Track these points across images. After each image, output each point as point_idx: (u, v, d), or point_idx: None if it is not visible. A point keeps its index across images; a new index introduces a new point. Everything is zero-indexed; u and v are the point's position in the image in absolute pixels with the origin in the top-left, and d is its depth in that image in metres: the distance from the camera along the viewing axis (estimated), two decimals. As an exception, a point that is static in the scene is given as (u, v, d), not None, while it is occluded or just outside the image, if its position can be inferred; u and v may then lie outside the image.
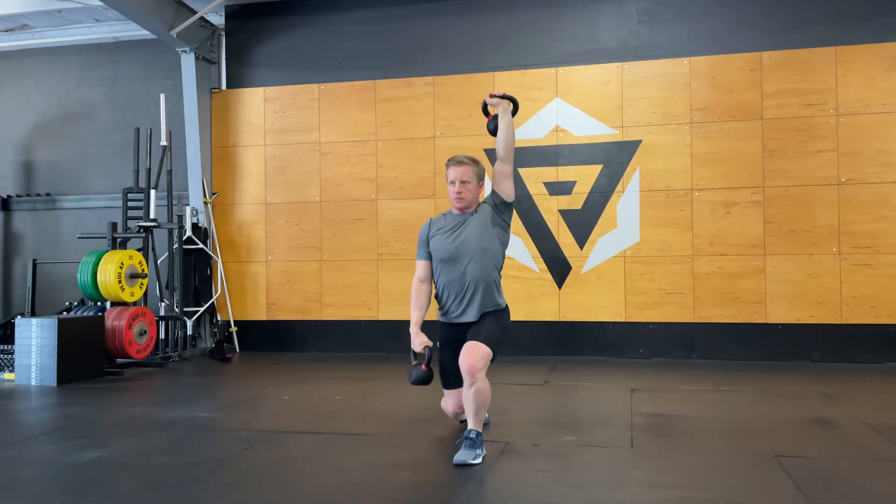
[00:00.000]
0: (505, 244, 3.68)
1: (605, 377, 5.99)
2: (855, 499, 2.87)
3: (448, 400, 3.75)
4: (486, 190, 3.86)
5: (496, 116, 3.71)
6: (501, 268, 3.71)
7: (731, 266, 6.79)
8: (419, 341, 3.64)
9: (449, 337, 3.69)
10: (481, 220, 3.62)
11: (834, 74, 6.66)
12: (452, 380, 3.68)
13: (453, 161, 3.65)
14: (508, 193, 3.65)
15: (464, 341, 3.56)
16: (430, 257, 3.70)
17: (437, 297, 3.75)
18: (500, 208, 3.66)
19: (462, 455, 3.39)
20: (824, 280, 6.61)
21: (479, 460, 3.40)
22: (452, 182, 3.62)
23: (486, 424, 3.91)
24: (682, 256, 6.89)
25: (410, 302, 3.77)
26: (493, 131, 3.71)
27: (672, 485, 3.05)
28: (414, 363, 3.61)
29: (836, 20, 6.69)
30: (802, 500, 2.82)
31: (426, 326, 3.78)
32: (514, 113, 3.73)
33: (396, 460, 3.46)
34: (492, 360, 3.54)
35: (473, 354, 3.46)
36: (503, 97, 3.70)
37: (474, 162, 3.66)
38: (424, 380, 3.57)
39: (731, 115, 6.84)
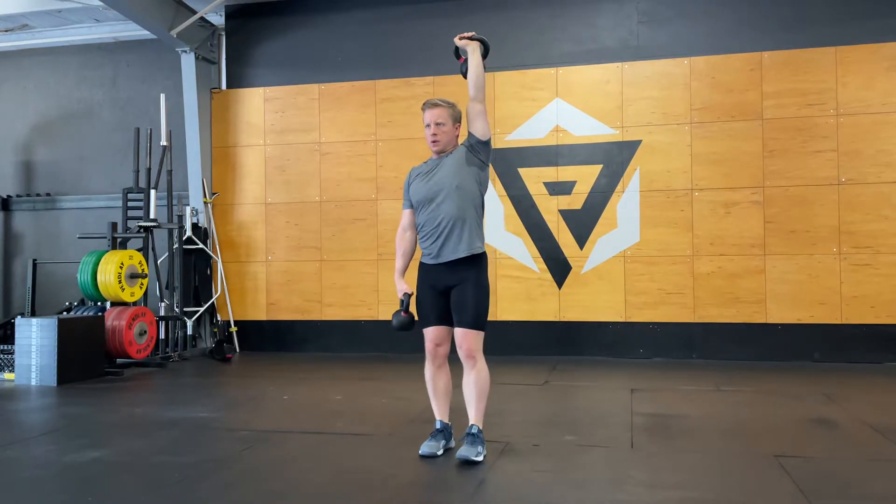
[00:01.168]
0: (482, 183, 3.64)
1: (605, 377, 5.99)
2: (855, 499, 2.87)
3: (429, 336, 3.60)
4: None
5: (468, 59, 3.70)
6: (481, 206, 3.63)
7: (731, 266, 6.79)
8: (400, 288, 3.65)
9: (427, 278, 3.62)
10: (456, 159, 3.61)
11: (834, 74, 6.66)
12: (430, 319, 3.60)
13: (428, 104, 3.66)
14: (482, 132, 3.61)
15: (441, 286, 3.53)
16: (412, 206, 3.69)
17: (419, 238, 3.71)
18: (476, 147, 3.63)
19: (464, 451, 3.39)
20: (824, 280, 6.61)
21: (481, 458, 3.40)
22: (428, 125, 3.63)
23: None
24: (682, 256, 6.89)
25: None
26: (465, 74, 3.71)
27: (672, 485, 3.05)
28: (397, 310, 3.62)
29: (836, 20, 6.69)
30: (802, 500, 2.82)
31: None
32: (485, 55, 3.71)
33: (396, 460, 3.46)
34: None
35: (467, 339, 3.47)
36: (472, 38, 3.69)
37: (449, 104, 3.66)
38: (405, 325, 3.57)
39: (731, 115, 6.84)
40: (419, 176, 3.68)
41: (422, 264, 3.66)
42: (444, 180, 3.56)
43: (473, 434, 3.45)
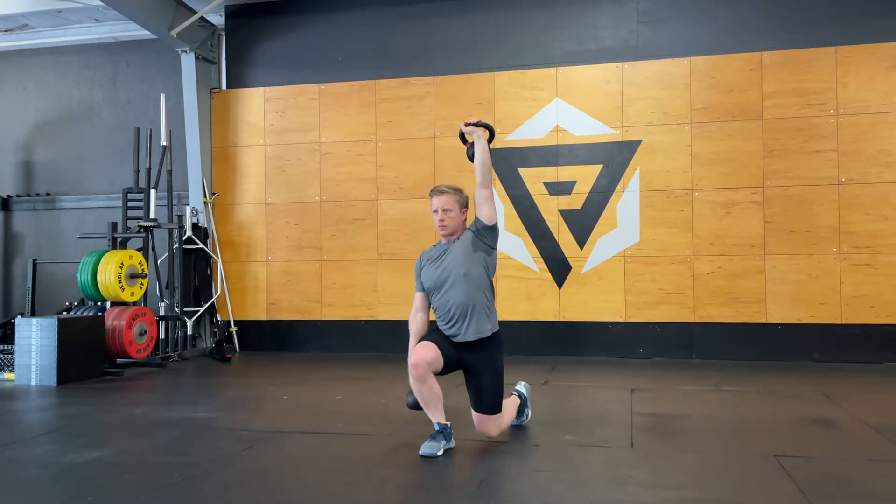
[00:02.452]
0: (490, 267, 3.75)
1: (605, 377, 5.99)
2: (855, 499, 2.87)
3: (415, 351, 3.62)
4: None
5: (473, 143, 3.80)
6: (490, 289, 3.74)
7: (731, 266, 6.79)
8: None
9: (443, 332, 3.73)
10: (463, 246, 3.70)
11: (834, 74, 6.66)
12: (432, 338, 3.67)
13: (435, 191, 3.77)
14: (489, 217, 3.71)
15: (457, 347, 3.65)
16: (424, 289, 3.80)
17: (436, 318, 3.83)
18: (482, 232, 3.73)
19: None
20: (824, 280, 6.61)
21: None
22: (435, 211, 3.73)
23: (522, 410, 4.05)
24: (682, 256, 6.89)
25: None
26: (472, 158, 3.80)
27: (672, 485, 3.05)
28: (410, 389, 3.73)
29: (836, 20, 6.69)
30: (802, 500, 2.82)
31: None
32: (490, 139, 3.81)
33: (396, 460, 3.46)
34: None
35: (486, 424, 3.66)
36: (477, 125, 3.79)
37: (456, 190, 3.76)
38: (418, 405, 3.69)
39: (731, 115, 6.84)
40: (429, 261, 3.78)
41: (440, 328, 3.76)
42: (452, 267, 3.66)
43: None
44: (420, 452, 3.50)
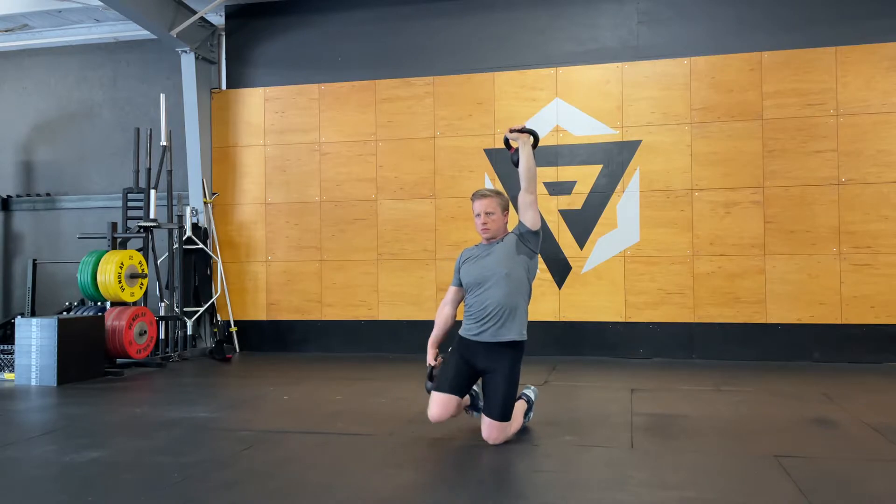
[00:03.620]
0: (531, 271, 3.79)
1: (605, 377, 5.99)
2: (855, 499, 2.87)
3: (434, 404, 3.76)
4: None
5: (518, 149, 3.83)
6: (528, 294, 3.79)
7: (731, 266, 6.79)
8: (429, 356, 3.88)
9: (462, 348, 3.79)
10: (506, 247, 3.75)
11: (834, 74, 6.66)
12: (445, 384, 3.76)
13: (477, 194, 3.82)
14: (532, 222, 3.76)
15: (474, 362, 3.73)
16: (460, 284, 3.86)
17: (465, 316, 3.88)
18: (526, 237, 3.77)
19: None
20: (824, 280, 6.61)
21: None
22: (478, 214, 3.79)
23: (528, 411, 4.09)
24: (682, 256, 6.89)
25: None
26: (517, 164, 3.85)
27: (672, 485, 3.05)
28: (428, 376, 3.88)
29: (836, 20, 6.69)
30: (802, 500, 2.82)
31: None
32: (535, 145, 3.84)
33: (396, 460, 3.46)
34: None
35: (493, 430, 3.68)
36: (522, 130, 3.83)
37: (497, 194, 3.82)
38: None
39: (731, 115, 6.84)
40: (469, 259, 3.84)
41: (460, 337, 3.82)
42: (494, 267, 3.70)
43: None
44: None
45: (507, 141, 3.93)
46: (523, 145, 3.78)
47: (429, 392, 3.81)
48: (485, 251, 3.79)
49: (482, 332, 3.69)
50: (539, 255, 7.02)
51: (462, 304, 3.90)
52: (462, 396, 3.77)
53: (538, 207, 3.79)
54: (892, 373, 6.04)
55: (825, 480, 3.10)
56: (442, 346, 3.92)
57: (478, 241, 3.93)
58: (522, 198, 3.77)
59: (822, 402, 4.80)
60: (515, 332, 3.69)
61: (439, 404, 3.73)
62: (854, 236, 6.58)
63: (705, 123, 6.89)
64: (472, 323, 3.75)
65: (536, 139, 3.85)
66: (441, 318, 3.89)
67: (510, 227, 3.86)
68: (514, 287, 3.69)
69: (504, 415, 3.66)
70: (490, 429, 3.66)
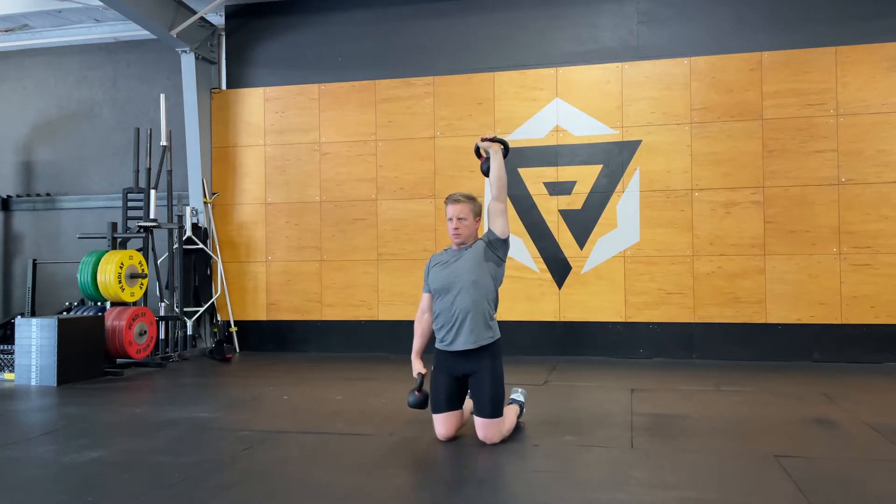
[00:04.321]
0: (497, 279, 3.80)
1: (605, 377, 5.99)
2: (855, 499, 2.87)
3: (438, 424, 3.78)
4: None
5: (489, 158, 3.86)
6: (495, 300, 3.80)
7: (731, 266, 6.79)
8: (415, 368, 3.87)
9: (442, 363, 3.79)
10: (474, 254, 3.75)
11: (834, 74, 6.66)
12: (441, 405, 3.76)
13: (450, 199, 3.81)
14: (502, 230, 3.77)
15: (457, 372, 3.74)
16: (430, 291, 3.86)
17: (434, 325, 3.86)
18: (495, 244, 3.78)
19: None
20: (824, 280, 6.61)
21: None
22: (450, 219, 3.78)
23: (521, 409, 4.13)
24: (682, 256, 6.89)
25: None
26: (486, 172, 3.87)
27: (672, 485, 3.05)
28: (412, 389, 3.86)
29: (836, 20, 6.69)
30: (802, 500, 2.82)
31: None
32: (505, 154, 3.85)
33: (396, 460, 3.47)
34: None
35: (487, 428, 3.67)
36: (493, 140, 3.84)
37: (471, 199, 3.82)
38: (419, 403, 3.81)
39: (731, 115, 6.84)
40: (438, 265, 3.84)
41: (437, 351, 3.83)
42: (462, 273, 3.71)
43: None
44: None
45: (477, 150, 3.95)
46: (494, 154, 3.80)
47: (412, 405, 3.79)
48: (453, 257, 3.79)
49: (454, 340, 3.69)
50: (538, 254, 7.11)
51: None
52: (460, 409, 3.79)
53: (507, 216, 3.80)
54: (892, 373, 6.04)
55: (825, 480, 3.10)
56: (424, 361, 3.92)
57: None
58: (493, 206, 3.78)
59: (822, 402, 4.80)
60: (486, 336, 3.69)
61: (443, 424, 3.75)
62: (854, 236, 6.58)
63: (705, 123, 6.89)
64: (443, 332, 3.74)
65: (507, 148, 3.88)
66: (421, 326, 3.89)
67: (480, 234, 3.86)
68: (481, 294, 3.69)
69: (494, 411, 3.66)
70: (484, 427, 3.66)
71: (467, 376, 3.72)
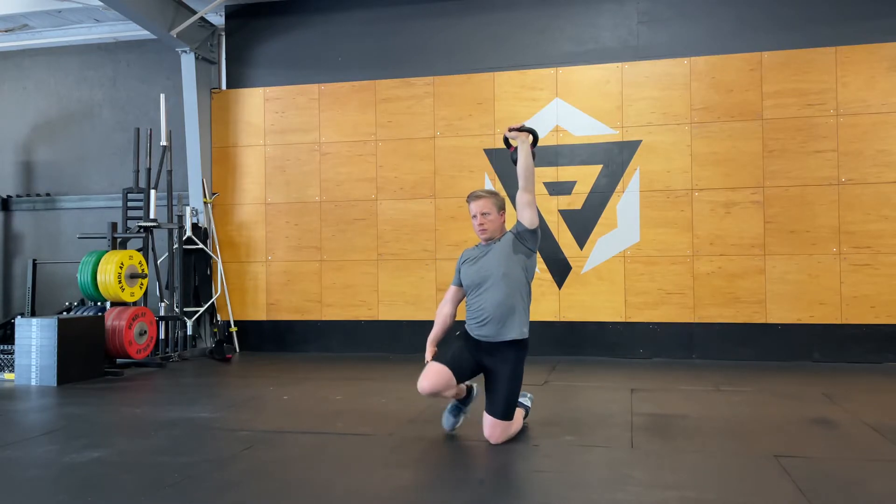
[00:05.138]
0: (529, 270, 3.79)
1: (605, 377, 5.99)
2: (855, 499, 2.87)
3: (426, 375, 3.65)
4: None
5: (517, 148, 3.82)
6: (528, 293, 3.78)
7: (731, 266, 6.79)
8: (428, 353, 3.84)
9: (469, 340, 3.79)
10: (503, 247, 3.74)
11: (834, 74, 6.66)
12: (443, 357, 3.71)
13: (472, 196, 3.82)
14: (530, 221, 3.75)
15: (478, 356, 3.72)
16: (461, 284, 3.87)
17: (467, 314, 3.87)
18: (523, 236, 3.76)
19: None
20: (824, 280, 6.61)
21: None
22: (475, 216, 3.78)
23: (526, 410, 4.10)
24: (682, 256, 6.89)
25: None
26: (516, 162, 3.84)
27: (672, 485, 3.05)
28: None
29: (836, 20, 6.69)
30: (802, 500, 2.82)
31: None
32: (534, 143, 3.83)
33: (396, 460, 3.46)
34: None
35: (496, 429, 3.67)
36: (521, 129, 3.81)
37: (492, 194, 3.82)
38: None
39: (731, 115, 6.84)
40: (469, 260, 3.84)
41: (465, 331, 3.83)
42: (492, 268, 3.70)
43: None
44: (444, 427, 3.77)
45: (506, 140, 3.93)
46: (522, 144, 3.77)
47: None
48: (482, 252, 3.80)
49: (484, 333, 3.70)
50: (539, 254, 7.11)
51: (462, 302, 3.91)
52: (458, 378, 3.68)
53: (536, 206, 3.78)
54: (892, 373, 6.04)
55: (825, 480, 3.10)
56: (441, 345, 3.91)
57: (478, 240, 3.93)
58: (520, 197, 3.76)
59: (822, 402, 4.80)
60: (516, 332, 3.68)
61: (432, 374, 3.63)
62: (854, 236, 6.58)
63: (705, 123, 6.89)
64: (473, 323, 3.76)
65: (536, 138, 3.84)
66: (441, 316, 3.89)
67: (508, 226, 3.86)
68: (513, 287, 3.68)
69: (507, 413, 3.66)
70: (493, 427, 3.66)
71: (487, 369, 3.71)
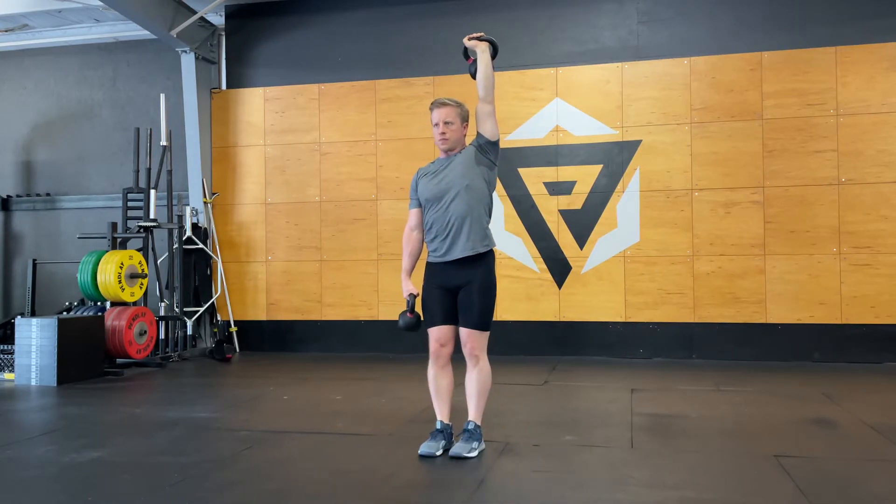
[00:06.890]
0: (491, 182, 3.68)
1: (605, 377, 5.99)
2: (855, 499, 2.87)
3: (433, 336, 3.62)
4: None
5: (476, 60, 3.69)
6: (490, 205, 3.67)
7: (731, 266, 6.79)
8: (406, 288, 3.68)
9: (435, 276, 3.64)
10: (465, 159, 3.63)
11: (834, 74, 6.66)
12: (437, 316, 3.60)
13: (436, 103, 3.68)
14: (491, 132, 3.65)
15: (449, 284, 3.57)
16: (419, 205, 3.71)
17: (426, 237, 3.72)
18: (485, 147, 3.65)
19: (458, 448, 3.46)
20: (824, 280, 6.61)
21: (475, 454, 3.46)
22: (436, 124, 3.64)
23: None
24: (682, 256, 6.89)
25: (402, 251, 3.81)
26: (475, 75, 3.71)
27: (672, 485, 3.05)
28: (403, 311, 3.66)
29: (836, 20, 6.69)
30: (802, 500, 2.82)
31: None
32: (494, 55, 3.69)
33: (396, 460, 3.46)
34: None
35: (472, 339, 3.53)
36: (480, 38, 3.68)
37: (457, 104, 3.69)
38: (411, 325, 3.60)
39: (731, 115, 6.84)
40: (427, 175, 3.70)
41: (429, 264, 3.69)
42: (454, 179, 3.58)
43: (469, 430, 3.53)
44: (419, 452, 3.50)
45: (465, 51, 3.76)
46: (481, 53, 3.64)
47: (403, 328, 3.61)
48: (442, 165, 3.65)
49: (449, 249, 3.55)
50: (539, 254, 7.11)
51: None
52: (454, 324, 3.59)
53: (495, 118, 3.66)
54: (892, 373, 6.04)
55: (825, 480, 3.11)
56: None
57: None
58: (480, 107, 3.64)
59: (822, 402, 4.80)
60: (481, 243, 3.56)
61: (438, 337, 3.57)
62: (854, 236, 6.58)
63: (705, 123, 6.89)
64: (437, 242, 3.60)
65: (496, 48, 3.69)
66: (411, 243, 3.71)
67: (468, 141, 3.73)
68: (476, 198, 3.57)
69: (482, 323, 3.53)
70: (470, 337, 3.52)
71: (460, 288, 3.56)
